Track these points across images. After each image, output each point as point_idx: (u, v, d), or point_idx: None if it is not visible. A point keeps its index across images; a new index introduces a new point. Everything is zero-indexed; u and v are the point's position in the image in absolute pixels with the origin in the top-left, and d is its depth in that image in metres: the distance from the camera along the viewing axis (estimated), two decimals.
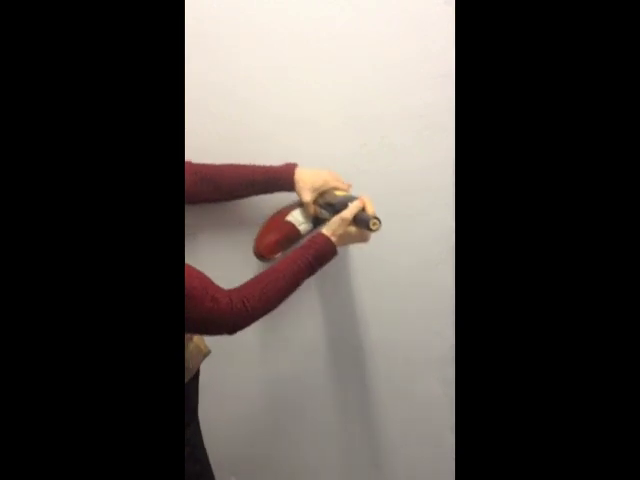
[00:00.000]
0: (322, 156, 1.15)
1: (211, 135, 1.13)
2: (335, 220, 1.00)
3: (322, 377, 1.29)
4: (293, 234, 1.12)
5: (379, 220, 0.98)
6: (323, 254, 0.98)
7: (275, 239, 1.12)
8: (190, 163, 1.08)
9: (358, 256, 1.22)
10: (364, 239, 1.03)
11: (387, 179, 1.18)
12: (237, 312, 0.89)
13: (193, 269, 0.88)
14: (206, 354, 1.05)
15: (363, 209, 1.01)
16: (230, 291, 0.90)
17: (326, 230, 1.00)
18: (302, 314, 1.24)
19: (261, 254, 1.12)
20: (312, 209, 1.09)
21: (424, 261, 1.22)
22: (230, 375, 1.22)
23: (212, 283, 0.89)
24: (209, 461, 1.10)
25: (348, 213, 0.99)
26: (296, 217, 1.12)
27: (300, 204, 1.13)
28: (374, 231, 0.98)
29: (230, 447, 1.14)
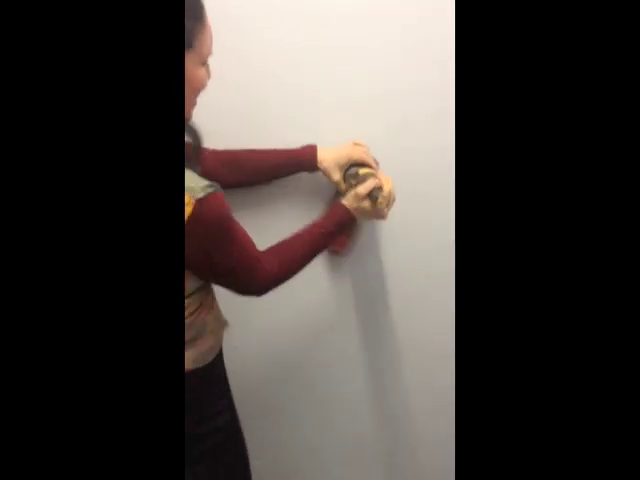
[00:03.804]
0: (344, 137, 1.15)
1: (229, 120, 1.14)
2: (351, 194, 1.05)
3: (337, 364, 1.30)
4: None
5: (386, 198, 1.03)
6: (343, 224, 1.04)
7: None
8: (212, 150, 1.10)
9: (376, 242, 1.23)
10: (380, 216, 1.08)
11: (407, 160, 1.18)
12: (268, 274, 0.94)
13: (244, 228, 0.91)
14: (225, 325, 1.05)
15: (380, 187, 1.05)
16: (263, 253, 0.95)
17: (345, 202, 1.05)
18: (316, 298, 1.25)
19: (335, 252, 1.20)
20: (344, 187, 1.11)
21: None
22: (242, 361, 1.22)
23: (254, 248, 0.93)
24: (245, 453, 1.08)
25: (362, 189, 1.04)
26: None
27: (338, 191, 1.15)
28: (380, 208, 1.04)
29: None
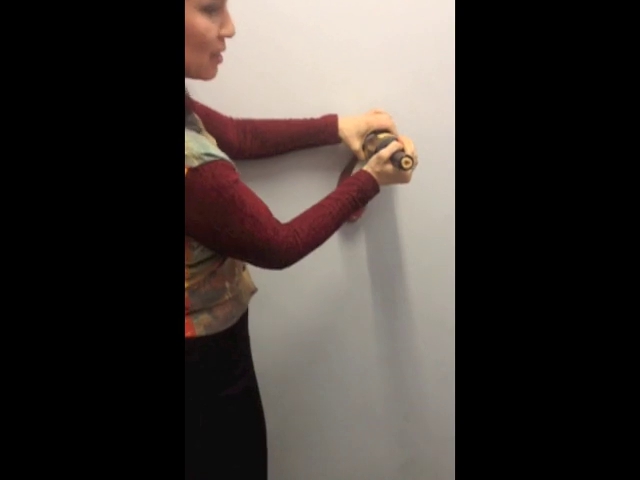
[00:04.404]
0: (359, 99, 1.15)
1: (243, 89, 1.13)
2: (373, 158, 1.02)
3: (351, 331, 1.31)
4: None
5: (412, 159, 0.99)
6: (366, 190, 1.00)
7: None
8: (233, 119, 1.10)
9: (391, 209, 1.22)
10: (403, 179, 1.04)
11: (426, 120, 1.17)
12: (290, 246, 0.90)
13: (259, 199, 0.89)
14: (253, 291, 1.06)
15: (403, 149, 1.02)
16: (284, 225, 0.91)
17: (367, 167, 1.02)
18: (331, 269, 1.26)
19: (350, 218, 1.13)
20: (363, 155, 1.11)
21: None
22: (261, 331, 1.21)
23: (269, 215, 0.90)
24: (261, 425, 1.06)
25: (386, 151, 1.00)
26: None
27: (355, 157, 1.14)
28: (406, 170, 1.00)
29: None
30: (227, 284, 0.95)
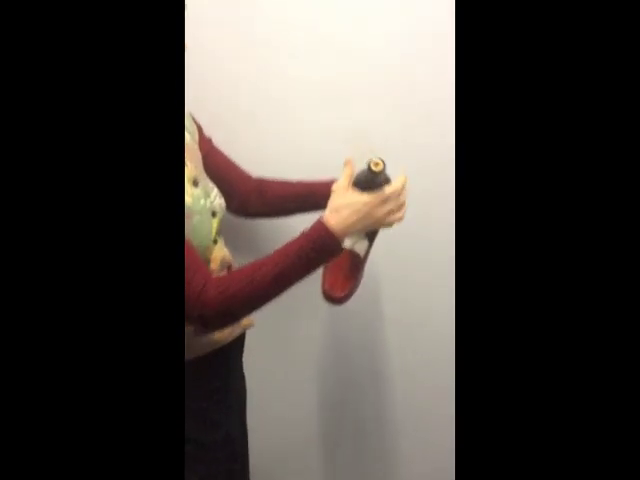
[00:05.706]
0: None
1: (239, 103, 1.18)
2: (331, 193, 0.85)
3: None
4: (352, 259, 0.98)
5: (382, 160, 0.80)
6: (316, 238, 0.82)
7: (335, 273, 0.97)
8: (250, 177, 1.12)
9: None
10: (378, 212, 0.83)
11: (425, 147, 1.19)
12: (206, 301, 0.79)
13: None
14: (246, 327, 1.02)
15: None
16: (210, 277, 0.81)
17: (325, 212, 0.85)
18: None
19: (329, 296, 0.94)
20: None
21: None
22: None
23: (193, 262, 0.80)
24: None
25: (342, 178, 0.83)
26: (345, 241, 0.94)
27: None
28: (377, 174, 0.80)
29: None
30: None
